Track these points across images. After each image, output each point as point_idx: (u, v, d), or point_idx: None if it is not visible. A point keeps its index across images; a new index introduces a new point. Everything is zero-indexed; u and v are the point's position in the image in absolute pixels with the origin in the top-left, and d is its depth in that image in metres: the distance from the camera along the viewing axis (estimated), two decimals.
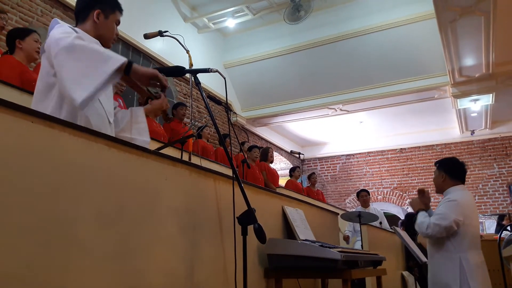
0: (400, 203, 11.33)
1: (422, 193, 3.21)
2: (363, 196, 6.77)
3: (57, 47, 1.54)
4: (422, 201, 3.16)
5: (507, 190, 10.16)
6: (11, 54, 3.05)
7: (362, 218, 4.98)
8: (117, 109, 1.95)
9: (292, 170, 7.66)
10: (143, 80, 1.63)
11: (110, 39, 1.90)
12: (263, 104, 9.45)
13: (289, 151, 10.47)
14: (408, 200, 3.12)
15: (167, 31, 3.27)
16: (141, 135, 1.96)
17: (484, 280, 2.84)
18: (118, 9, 1.91)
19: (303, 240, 2.33)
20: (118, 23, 1.93)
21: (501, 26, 5.94)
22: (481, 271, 2.84)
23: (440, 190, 3.13)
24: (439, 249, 2.96)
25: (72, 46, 1.52)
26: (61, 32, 1.61)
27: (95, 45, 1.60)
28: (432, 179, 3.27)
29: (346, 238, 6.12)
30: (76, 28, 1.77)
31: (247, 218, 1.61)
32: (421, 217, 2.99)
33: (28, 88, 2.63)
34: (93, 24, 1.83)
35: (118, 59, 1.54)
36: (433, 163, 3.33)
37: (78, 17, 1.87)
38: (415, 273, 5.01)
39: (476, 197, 10.24)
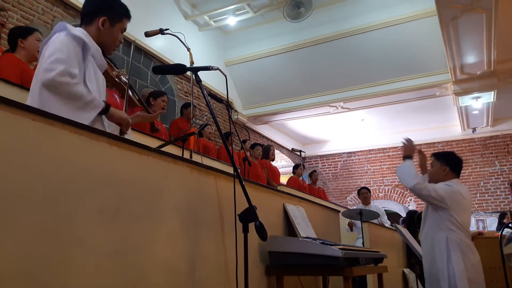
0: (401, 201, 11.33)
1: (422, 153, 3.44)
2: (363, 193, 6.77)
3: (42, 77, 1.56)
4: (420, 159, 3.38)
5: (508, 188, 10.15)
6: (13, 53, 3.04)
7: (363, 216, 4.98)
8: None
9: (295, 168, 7.68)
10: (113, 121, 1.78)
11: (112, 47, 1.88)
12: (264, 102, 9.44)
13: (290, 149, 10.46)
14: (404, 140, 3.16)
15: (168, 29, 3.26)
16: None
17: (471, 258, 2.92)
18: (127, 17, 1.88)
19: (304, 237, 2.33)
20: (124, 30, 1.90)
21: (502, 24, 5.93)
22: (467, 251, 2.93)
23: (436, 182, 3.16)
24: (429, 228, 3.09)
25: (52, 85, 1.55)
26: (55, 51, 1.59)
27: (76, 87, 1.60)
28: (429, 171, 3.30)
29: (350, 225, 6.08)
30: (81, 32, 1.73)
31: (248, 215, 1.61)
32: (412, 166, 3.09)
33: (28, 86, 2.63)
34: (97, 30, 1.80)
35: (96, 106, 1.64)
36: (430, 155, 3.39)
37: (84, 18, 1.83)
38: (416, 270, 5.01)
39: (478, 195, 10.23)
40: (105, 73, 1.99)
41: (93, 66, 1.75)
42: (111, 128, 1.89)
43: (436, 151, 3.36)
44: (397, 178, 3.20)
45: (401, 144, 3.30)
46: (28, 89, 2.52)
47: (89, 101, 1.62)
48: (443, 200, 2.93)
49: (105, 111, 1.70)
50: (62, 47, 1.62)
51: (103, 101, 1.72)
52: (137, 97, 1.96)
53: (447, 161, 3.13)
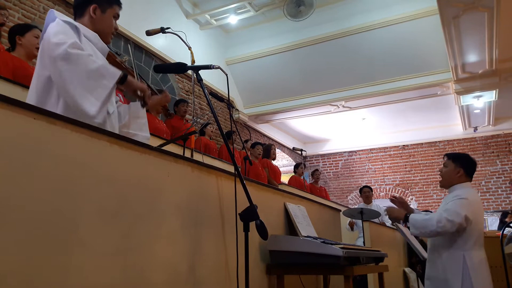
0: None
1: (396, 199, 3.15)
2: (365, 192, 6.77)
3: (52, 53, 1.56)
4: (402, 206, 3.09)
5: (509, 187, 10.13)
6: (12, 51, 3.04)
7: (364, 215, 4.98)
8: (119, 103, 1.95)
9: (296, 167, 7.69)
10: (131, 91, 1.75)
11: (108, 34, 1.89)
12: (265, 101, 9.44)
13: (291, 148, 10.45)
14: (384, 209, 3.02)
15: (169, 28, 3.26)
16: (141, 130, 1.96)
17: (486, 277, 2.83)
18: (116, 3, 1.89)
19: (305, 236, 2.33)
20: (117, 17, 1.91)
21: (504, 22, 5.91)
22: (485, 269, 2.84)
23: (449, 184, 3.06)
24: (443, 246, 2.93)
25: (67, 55, 1.55)
26: (57, 33, 1.61)
27: (90, 57, 1.60)
28: (438, 174, 3.17)
29: (351, 224, 6.07)
30: (75, 23, 1.75)
31: (249, 214, 1.61)
32: (420, 217, 2.90)
33: (22, 83, 2.60)
34: (90, 19, 1.82)
35: (115, 73, 1.64)
36: (437, 159, 3.31)
37: (76, 11, 1.85)
38: (417, 269, 5.01)
39: (479, 194, 10.19)
40: (110, 59, 2.00)
41: (93, 51, 1.76)
42: (124, 120, 1.90)
43: (449, 152, 3.24)
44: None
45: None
46: (21, 85, 2.51)
47: (106, 70, 1.62)
48: (468, 220, 2.78)
49: (123, 80, 1.68)
50: (62, 29, 1.65)
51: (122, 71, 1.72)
52: (146, 83, 1.97)
53: (462, 163, 3.05)
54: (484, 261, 2.87)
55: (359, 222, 5.31)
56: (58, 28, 1.64)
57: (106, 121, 1.72)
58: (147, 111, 2.05)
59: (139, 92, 1.76)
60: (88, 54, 1.61)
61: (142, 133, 1.95)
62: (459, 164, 3.04)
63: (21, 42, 2.99)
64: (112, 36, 1.94)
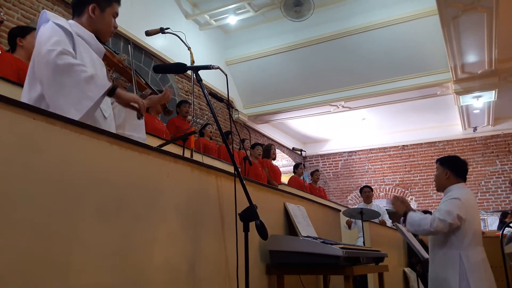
0: None
1: (398, 199, 3.19)
2: (366, 192, 6.77)
3: (43, 59, 1.54)
4: (403, 204, 3.13)
5: (509, 187, 10.13)
6: (13, 53, 3.05)
7: (364, 215, 4.98)
8: (115, 104, 1.92)
9: (295, 167, 7.69)
10: (124, 103, 1.68)
11: (107, 33, 1.87)
12: (265, 101, 9.44)
13: (291, 148, 10.45)
14: (391, 198, 3.06)
15: (169, 28, 3.26)
16: (137, 131, 1.93)
17: (485, 276, 2.84)
18: (116, 1, 1.87)
19: (305, 236, 2.33)
20: (116, 15, 1.88)
21: (503, 23, 5.92)
22: (482, 268, 2.85)
23: (442, 187, 3.13)
24: (440, 246, 2.98)
25: (56, 67, 1.52)
26: (50, 37, 1.59)
27: (80, 67, 1.56)
28: (434, 176, 3.25)
29: (349, 223, 6.08)
30: (68, 25, 1.72)
31: (249, 214, 1.61)
32: (417, 215, 2.97)
33: None
34: (89, 19, 1.80)
35: (104, 85, 1.58)
36: (435, 160, 3.33)
37: (74, 10, 1.84)
38: (417, 269, 5.01)
39: (479, 194, 10.21)
40: (108, 60, 1.99)
41: (87, 52, 1.75)
42: (119, 120, 1.88)
43: (440, 156, 3.32)
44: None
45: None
46: None
47: (94, 81, 1.56)
48: (461, 219, 2.82)
49: (111, 92, 1.61)
50: (54, 33, 1.62)
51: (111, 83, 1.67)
52: (144, 81, 1.96)
53: (449, 166, 3.11)
54: (482, 260, 2.88)
55: (359, 222, 5.31)
56: (50, 32, 1.61)
57: (102, 125, 1.68)
58: (146, 111, 2.04)
59: (134, 104, 1.67)
60: (78, 63, 1.56)
61: (138, 134, 1.93)
62: (446, 167, 3.12)
63: (22, 44, 3.01)
64: (111, 35, 1.92)
